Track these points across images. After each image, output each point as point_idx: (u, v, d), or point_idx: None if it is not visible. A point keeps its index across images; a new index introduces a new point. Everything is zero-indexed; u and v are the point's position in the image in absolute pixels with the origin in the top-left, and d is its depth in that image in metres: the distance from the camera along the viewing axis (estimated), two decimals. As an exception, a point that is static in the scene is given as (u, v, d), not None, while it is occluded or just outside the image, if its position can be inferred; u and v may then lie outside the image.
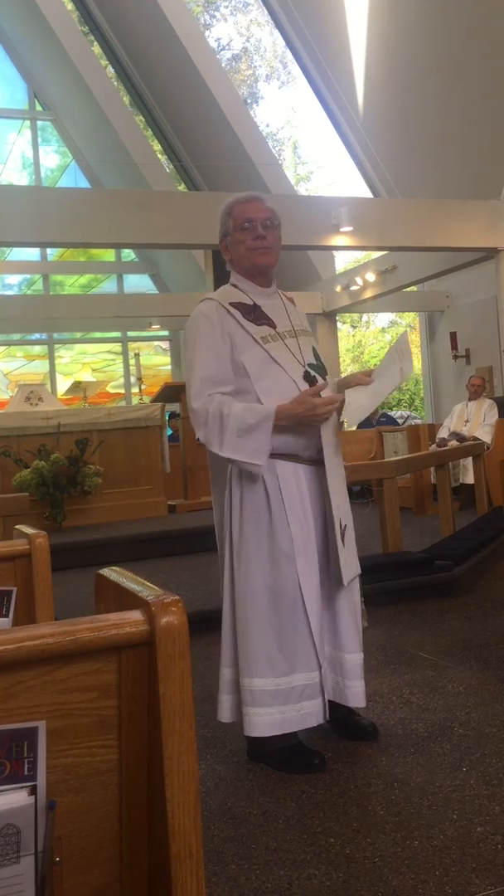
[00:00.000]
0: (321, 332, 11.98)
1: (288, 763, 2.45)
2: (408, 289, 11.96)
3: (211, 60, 13.05)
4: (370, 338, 24.02)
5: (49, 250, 14.42)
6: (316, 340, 2.77)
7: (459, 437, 7.58)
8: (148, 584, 1.12)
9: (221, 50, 21.36)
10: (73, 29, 13.15)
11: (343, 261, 15.45)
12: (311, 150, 29.56)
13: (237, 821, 2.17)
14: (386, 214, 8.96)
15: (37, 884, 0.93)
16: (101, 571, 1.26)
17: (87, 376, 14.63)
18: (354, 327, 23.92)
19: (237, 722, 2.48)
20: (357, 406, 2.54)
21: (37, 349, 14.91)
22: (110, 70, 14.31)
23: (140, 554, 5.89)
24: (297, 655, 2.42)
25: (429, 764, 2.42)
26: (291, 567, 2.43)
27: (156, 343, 15.64)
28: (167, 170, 14.38)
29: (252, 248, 2.55)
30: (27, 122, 14.58)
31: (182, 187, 14.78)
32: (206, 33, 18.24)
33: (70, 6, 13.80)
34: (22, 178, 14.54)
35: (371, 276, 11.14)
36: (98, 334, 14.84)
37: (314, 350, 2.64)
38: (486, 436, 7.66)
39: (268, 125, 22.86)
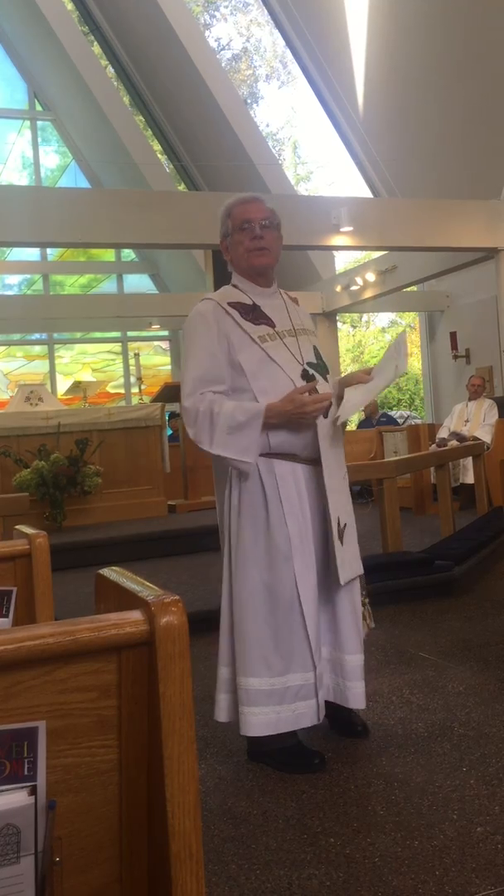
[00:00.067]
0: (321, 332, 11.97)
1: (288, 763, 2.45)
2: (408, 289, 11.97)
3: (211, 60, 13.05)
4: (370, 338, 24.03)
5: (49, 250, 14.43)
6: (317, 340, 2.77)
7: (459, 437, 7.58)
8: (148, 584, 1.12)
9: (221, 50, 21.37)
10: (73, 29, 13.16)
11: (343, 261, 15.47)
12: (311, 150, 29.61)
13: (237, 821, 2.17)
14: (386, 214, 8.97)
15: (37, 884, 0.93)
16: (101, 571, 1.26)
17: (87, 376, 14.63)
18: (354, 327, 23.94)
19: (234, 721, 2.49)
20: (353, 403, 2.54)
21: (37, 349, 14.91)
22: (110, 70, 14.32)
23: (140, 554, 5.89)
24: (292, 655, 2.42)
25: (429, 764, 2.42)
26: (288, 566, 2.43)
27: (156, 343, 15.64)
28: (167, 170, 14.38)
29: (250, 248, 2.56)
30: (27, 122, 14.58)
31: (182, 187, 14.79)
32: (206, 33, 18.26)
33: (70, 6, 13.81)
34: (22, 178, 14.55)
35: (371, 276, 11.14)
36: (98, 334, 14.84)
37: (315, 349, 2.64)
38: (486, 436, 7.66)
39: (268, 125, 22.89)
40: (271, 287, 2.66)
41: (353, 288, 11.61)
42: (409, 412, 18.78)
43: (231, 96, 13.12)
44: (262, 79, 22.82)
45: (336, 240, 8.76)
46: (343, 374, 2.80)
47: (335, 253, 13.08)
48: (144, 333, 14.62)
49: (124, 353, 15.21)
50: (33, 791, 0.93)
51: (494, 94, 9.74)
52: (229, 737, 2.69)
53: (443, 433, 7.99)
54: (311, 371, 2.54)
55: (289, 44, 12.79)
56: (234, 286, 2.63)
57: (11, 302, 12.92)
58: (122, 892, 1.05)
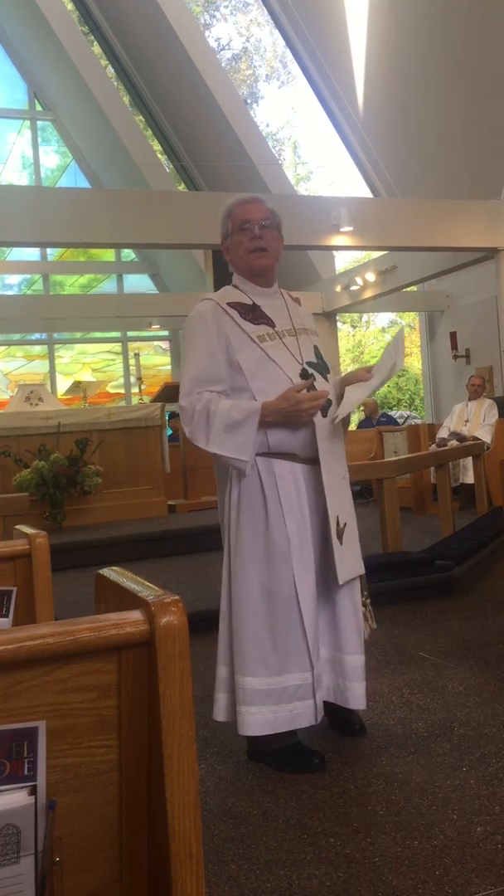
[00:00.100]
0: (321, 332, 11.93)
1: (288, 763, 2.45)
2: (408, 289, 11.97)
3: (211, 60, 13.05)
4: (370, 338, 24.03)
5: (49, 250, 14.42)
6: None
7: (459, 437, 7.58)
8: (148, 584, 1.12)
9: (221, 50, 21.37)
10: (73, 29, 13.16)
11: (343, 261, 15.47)
12: (311, 150, 29.60)
13: (237, 821, 2.17)
14: (386, 214, 8.97)
15: (37, 884, 0.93)
16: (101, 571, 1.26)
17: (87, 376, 14.63)
18: (354, 327, 23.94)
19: (232, 721, 2.49)
20: (351, 400, 2.54)
21: (37, 349, 14.91)
22: (110, 70, 14.32)
23: (140, 554, 5.89)
24: (290, 655, 2.42)
25: (429, 764, 2.42)
26: (287, 566, 2.43)
27: (156, 343, 15.64)
28: (167, 170, 14.38)
29: (249, 249, 2.56)
30: (27, 122, 14.58)
31: (182, 187, 14.79)
32: (206, 33, 18.25)
33: (70, 6, 13.80)
34: (22, 178, 14.55)
35: (371, 276, 11.14)
36: (98, 334, 14.84)
37: (316, 348, 2.64)
38: (486, 436, 7.66)
39: (268, 125, 22.89)
40: (272, 287, 2.66)
41: (353, 288, 11.61)
42: (409, 412, 18.77)
43: (231, 96, 13.12)
44: (262, 79, 22.84)
45: (336, 240, 8.76)
46: (343, 373, 2.81)
47: (335, 253, 13.08)
48: (144, 333, 14.62)
49: (124, 353, 15.21)
50: (33, 791, 0.93)
51: (494, 94, 9.74)
52: (229, 737, 2.69)
53: (443, 433, 7.99)
54: (311, 370, 2.54)
55: (289, 44, 12.79)
56: (235, 286, 2.64)
57: (11, 302, 12.92)
58: (122, 892, 1.05)
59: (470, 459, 7.05)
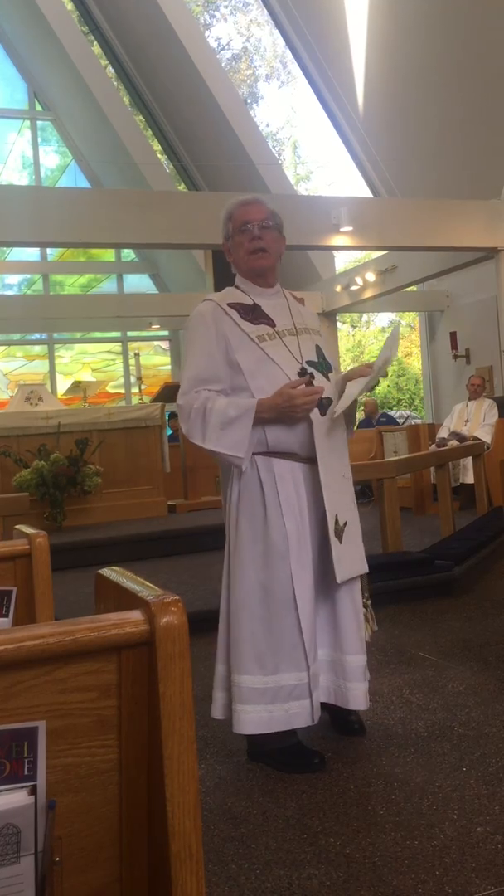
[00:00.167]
0: (322, 332, 11.97)
1: (288, 763, 2.45)
2: (408, 289, 11.97)
3: (211, 60, 13.05)
4: (370, 338, 24.03)
5: (49, 250, 14.43)
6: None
7: (459, 437, 7.58)
8: (148, 584, 1.12)
9: (221, 50, 21.37)
10: (73, 29, 13.16)
11: (343, 261, 15.47)
12: (311, 150, 29.62)
13: (237, 821, 2.17)
14: (386, 214, 8.97)
15: (37, 884, 0.93)
16: (101, 571, 1.26)
17: (87, 376, 14.63)
18: (354, 327, 23.95)
19: (229, 718, 2.48)
20: (348, 395, 2.55)
21: (37, 349, 14.92)
22: (110, 70, 14.32)
23: (140, 554, 5.89)
24: (286, 655, 2.42)
25: (429, 764, 2.42)
26: (285, 565, 2.43)
27: (156, 343, 15.65)
28: (167, 170, 14.38)
29: (249, 250, 2.57)
30: (27, 122, 14.58)
31: (182, 187, 14.79)
32: (206, 33, 18.26)
33: (70, 6, 13.81)
34: (22, 178, 14.55)
35: (371, 276, 11.14)
36: (98, 334, 14.84)
37: (317, 348, 2.64)
38: (486, 436, 7.66)
39: (268, 125, 22.90)
40: (273, 287, 2.67)
41: (353, 288, 11.61)
42: (408, 412, 18.77)
43: (231, 96, 13.12)
44: (262, 79, 22.85)
45: (336, 240, 8.76)
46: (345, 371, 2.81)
47: (335, 253, 13.08)
48: (144, 333, 14.62)
49: (124, 353, 15.21)
50: (33, 791, 0.93)
51: (494, 94, 9.74)
52: (229, 736, 2.68)
53: (443, 433, 7.99)
54: (309, 369, 2.54)
55: (289, 44, 12.79)
56: (237, 287, 2.65)
57: (11, 302, 12.92)
58: (122, 892, 1.05)
59: (470, 459, 7.05)
